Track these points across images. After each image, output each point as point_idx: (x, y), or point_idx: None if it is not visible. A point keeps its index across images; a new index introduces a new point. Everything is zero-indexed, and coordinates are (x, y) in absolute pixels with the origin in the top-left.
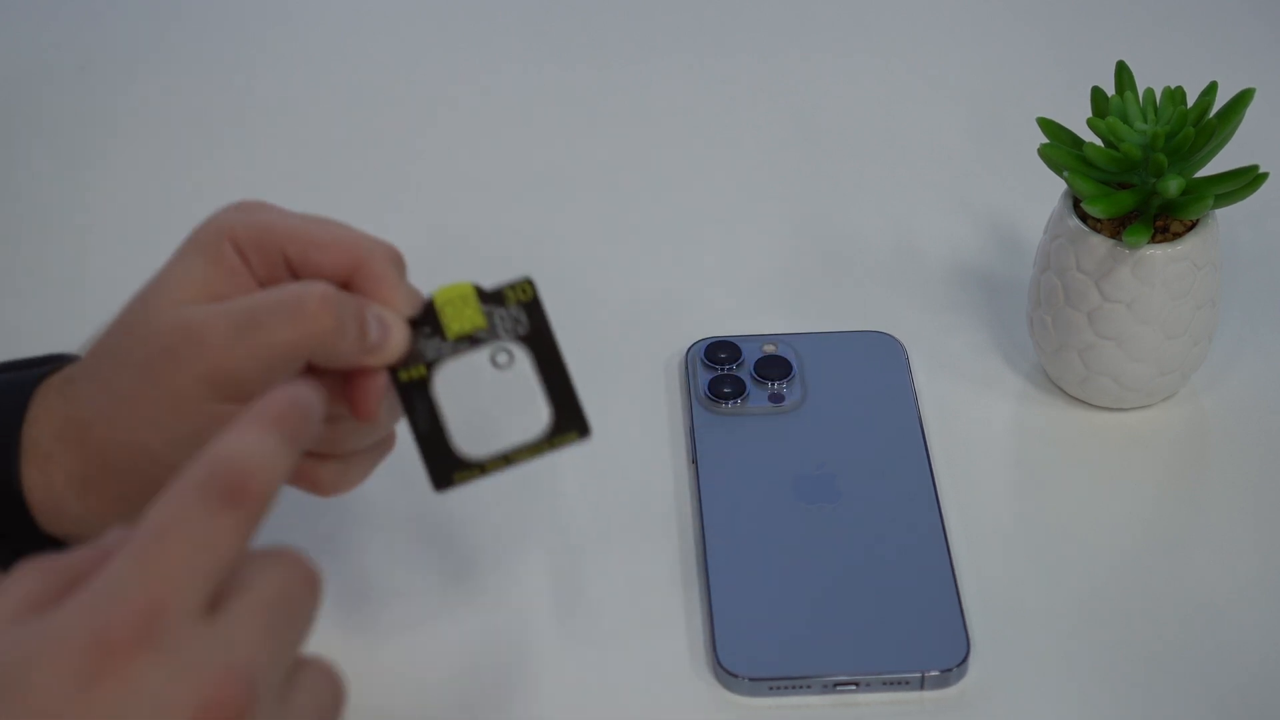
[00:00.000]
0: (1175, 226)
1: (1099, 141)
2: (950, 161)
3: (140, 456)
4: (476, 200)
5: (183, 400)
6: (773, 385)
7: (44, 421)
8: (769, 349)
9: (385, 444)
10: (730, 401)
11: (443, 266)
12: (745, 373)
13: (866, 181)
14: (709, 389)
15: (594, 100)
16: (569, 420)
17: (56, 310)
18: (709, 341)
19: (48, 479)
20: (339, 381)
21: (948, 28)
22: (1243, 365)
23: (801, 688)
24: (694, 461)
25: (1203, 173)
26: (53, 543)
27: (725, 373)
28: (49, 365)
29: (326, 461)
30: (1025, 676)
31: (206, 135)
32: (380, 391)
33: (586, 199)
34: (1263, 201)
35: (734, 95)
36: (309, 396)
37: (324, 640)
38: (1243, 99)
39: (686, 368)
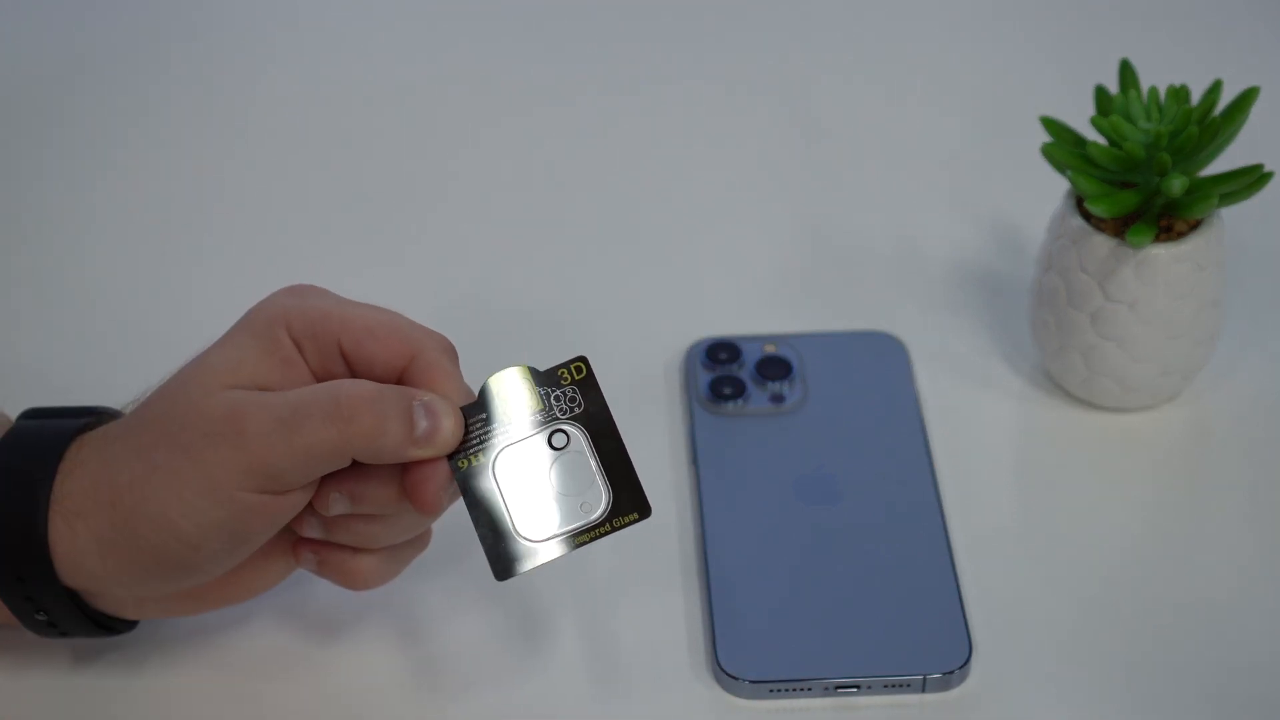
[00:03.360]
0: (1179, 226)
1: (1102, 140)
2: (952, 161)
3: (166, 531)
4: (475, 200)
5: (217, 486)
6: (773, 386)
7: (78, 476)
8: (769, 349)
9: (421, 540)
10: (730, 402)
11: (440, 266)
12: (745, 373)
13: (868, 181)
14: (709, 389)
15: (594, 99)
16: (629, 501)
17: (57, 311)
18: (709, 341)
19: (73, 533)
20: (396, 475)
21: (949, 26)
22: (1247, 366)
23: (802, 690)
24: (694, 462)
25: (1207, 172)
26: (69, 593)
27: (725, 373)
28: (89, 417)
29: (362, 555)
30: (1027, 679)
31: (206, 135)
32: (439, 481)
33: (587, 198)
34: (1268, 201)
35: (734, 95)
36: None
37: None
38: (1247, 97)
39: (686, 368)
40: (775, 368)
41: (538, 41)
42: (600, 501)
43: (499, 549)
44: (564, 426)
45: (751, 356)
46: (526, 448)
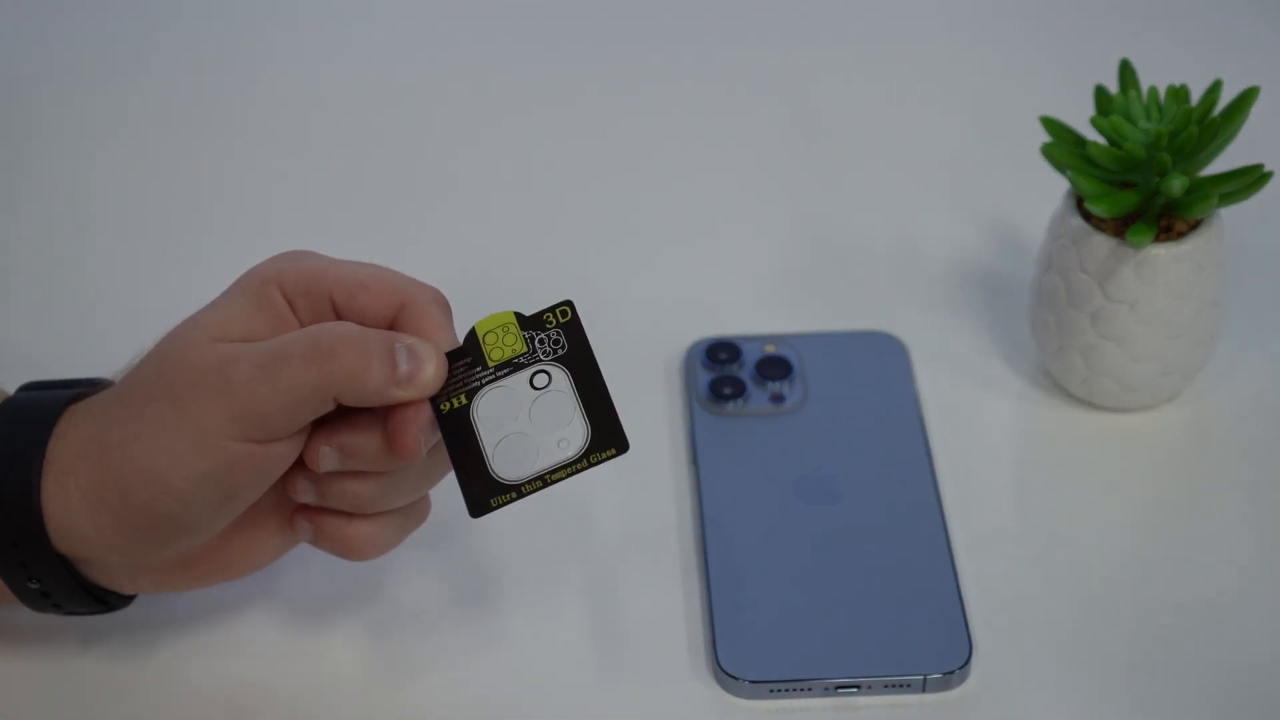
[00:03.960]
0: (1179, 226)
1: (1102, 140)
2: (952, 161)
3: (155, 485)
4: (475, 200)
5: (205, 435)
6: (773, 386)
7: (69, 438)
8: (769, 349)
9: (419, 511)
10: (730, 402)
11: (440, 265)
12: (745, 373)
13: (868, 181)
14: (709, 389)
15: (594, 99)
16: (607, 436)
17: (56, 310)
18: (709, 341)
19: (64, 493)
20: (382, 425)
21: (949, 26)
22: (1247, 366)
23: (802, 690)
24: (694, 463)
25: (1207, 172)
26: (60, 559)
27: (725, 373)
28: (83, 387)
29: (358, 522)
30: (1027, 679)
31: (206, 135)
32: (420, 424)
33: (587, 198)
34: (1268, 201)
35: (735, 95)
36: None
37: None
38: (1247, 97)
39: (686, 368)
40: (775, 368)
41: (538, 41)
42: (578, 438)
43: (474, 487)
44: (546, 367)
45: (751, 356)
46: (508, 389)
